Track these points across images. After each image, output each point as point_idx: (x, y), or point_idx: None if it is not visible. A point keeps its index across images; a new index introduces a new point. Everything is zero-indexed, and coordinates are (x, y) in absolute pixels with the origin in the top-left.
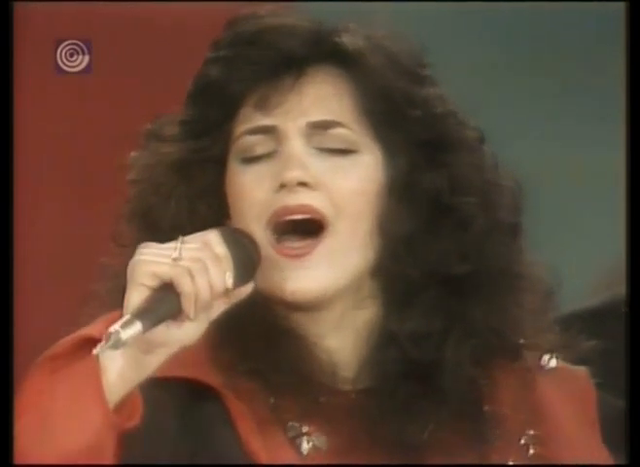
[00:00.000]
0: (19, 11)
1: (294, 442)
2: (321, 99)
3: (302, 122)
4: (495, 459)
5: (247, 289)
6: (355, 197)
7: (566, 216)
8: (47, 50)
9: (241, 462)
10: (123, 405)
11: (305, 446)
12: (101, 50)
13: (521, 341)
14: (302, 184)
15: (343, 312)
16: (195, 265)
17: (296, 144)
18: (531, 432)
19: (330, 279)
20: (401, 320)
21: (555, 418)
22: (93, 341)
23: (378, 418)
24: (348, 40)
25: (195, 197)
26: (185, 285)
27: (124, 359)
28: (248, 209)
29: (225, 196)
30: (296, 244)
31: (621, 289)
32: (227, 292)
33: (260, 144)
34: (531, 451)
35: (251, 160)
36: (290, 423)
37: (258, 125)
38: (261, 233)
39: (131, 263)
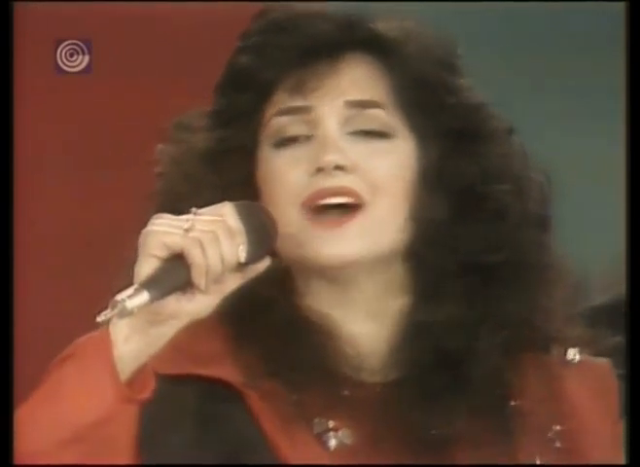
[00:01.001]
0: (19, 11)
1: (320, 438)
2: (358, 81)
3: (340, 101)
4: (522, 454)
5: (263, 265)
6: (391, 179)
7: (567, 213)
8: (47, 50)
9: (268, 462)
10: (134, 378)
11: (333, 441)
12: (101, 50)
13: (552, 333)
14: (339, 167)
15: (374, 296)
16: (207, 236)
17: (331, 127)
18: (558, 427)
19: (365, 248)
20: (432, 309)
21: (581, 413)
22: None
23: (405, 411)
24: (383, 26)
25: (225, 187)
26: (195, 256)
27: (134, 332)
28: (283, 193)
29: (256, 184)
30: (332, 217)
31: (621, 288)
32: (240, 266)
33: (292, 125)
34: (557, 445)
35: (284, 143)
36: (316, 419)
37: (290, 106)
38: (296, 216)
39: (143, 233)
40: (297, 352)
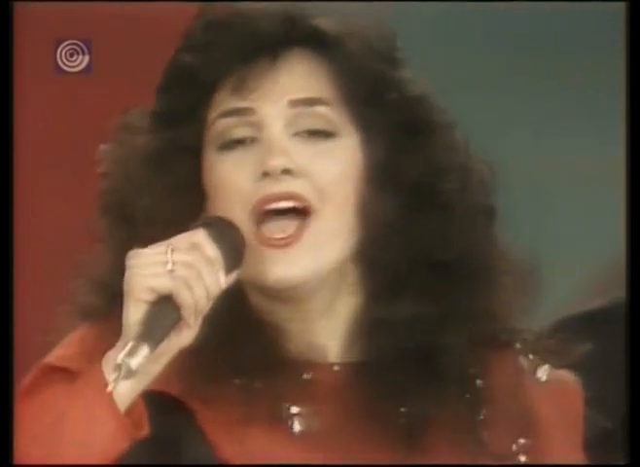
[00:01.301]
0: (19, 11)
1: (285, 423)
2: (301, 78)
3: (283, 101)
4: (486, 457)
5: (232, 278)
6: (339, 182)
7: (565, 215)
8: (47, 50)
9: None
10: (130, 413)
11: (297, 427)
12: (101, 50)
13: (512, 325)
14: (286, 171)
15: (329, 301)
16: (191, 273)
17: (276, 129)
18: (522, 441)
19: (313, 266)
20: (388, 307)
21: (546, 429)
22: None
23: (371, 402)
24: (324, 23)
25: (169, 189)
26: (185, 298)
27: (141, 376)
28: (230, 197)
29: (201, 186)
30: (279, 235)
31: (619, 291)
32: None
33: (236, 127)
34: (521, 458)
35: (229, 146)
36: (278, 405)
37: (233, 107)
38: (244, 222)
39: (126, 277)
40: (248, 339)
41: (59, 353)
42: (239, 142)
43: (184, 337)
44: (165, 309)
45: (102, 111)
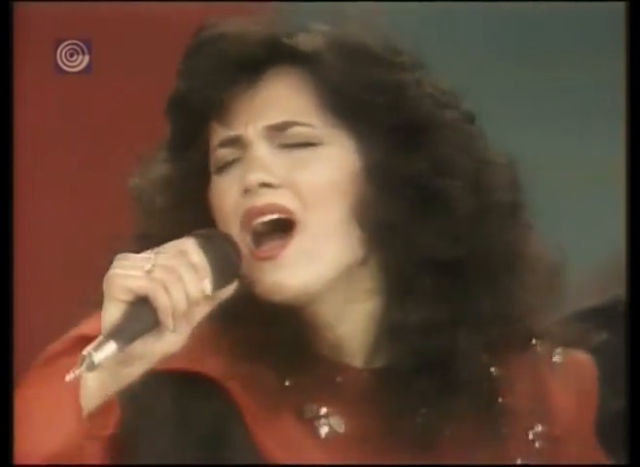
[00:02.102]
0: (19, 11)
1: (311, 424)
2: (275, 101)
3: (260, 126)
4: (503, 452)
5: (229, 290)
6: (322, 188)
7: (566, 214)
8: (47, 50)
9: (250, 456)
10: (98, 413)
11: (324, 428)
12: (101, 50)
13: (532, 326)
14: (265, 185)
15: (341, 306)
16: (170, 276)
17: (258, 146)
18: (539, 428)
19: (309, 274)
20: (404, 312)
21: (562, 414)
22: (88, 340)
23: (394, 407)
24: (303, 40)
25: (185, 216)
26: (160, 299)
27: (103, 371)
28: (225, 216)
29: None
30: (268, 246)
31: (618, 290)
32: (207, 298)
33: (230, 154)
34: (537, 445)
35: (222, 168)
36: (307, 405)
37: (225, 138)
38: (240, 238)
39: (106, 276)
40: (283, 333)
41: (91, 325)
42: (230, 163)
43: (167, 342)
44: (141, 310)
45: (102, 111)
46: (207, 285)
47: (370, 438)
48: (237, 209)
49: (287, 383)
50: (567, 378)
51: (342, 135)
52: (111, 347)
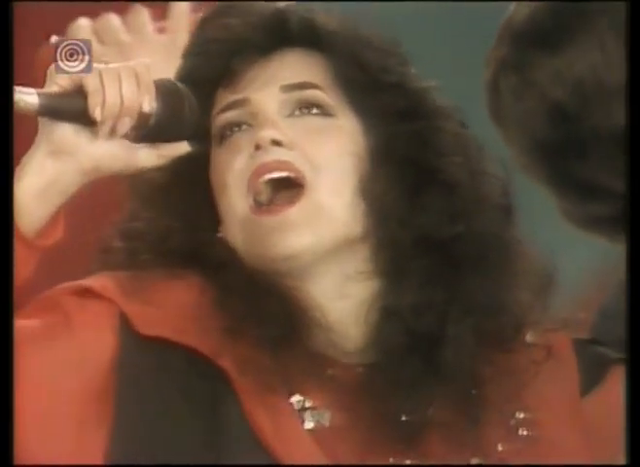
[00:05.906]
0: (19, 11)
1: (298, 415)
2: (292, 65)
3: (275, 87)
4: (485, 440)
5: (180, 148)
6: (334, 156)
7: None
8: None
9: (246, 437)
10: (45, 227)
11: (309, 421)
12: None
13: (522, 318)
14: (276, 142)
15: (340, 282)
16: (110, 75)
17: (269, 110)
18: (521, 415)
19: (313, 235)
20: (399, 292)
21: (543, 399)
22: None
23: (382, 395)
24: (319, 19)
25: (186, 205)
26: (91, 84)
27: (35, 164)
28: (229, 182)
29: (210, 187)
30: (274, 202)
31: (617, 288)
32: (144, 117)
33: (234, 119)
34: (521, 432)
35: (226, 134)
36: (295, 396)
37: (229, 102)
38: (243, 203)
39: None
40: (280, 319)
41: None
42: (236, 126)
43: (97, 147)
44: (74, 95)
45: None
46: (147, 102)
47: (355, 431)
48: (244, 171)
49: (277, 368)
50: (548, 363)
51: (349, 113)
52: (33, 98)
